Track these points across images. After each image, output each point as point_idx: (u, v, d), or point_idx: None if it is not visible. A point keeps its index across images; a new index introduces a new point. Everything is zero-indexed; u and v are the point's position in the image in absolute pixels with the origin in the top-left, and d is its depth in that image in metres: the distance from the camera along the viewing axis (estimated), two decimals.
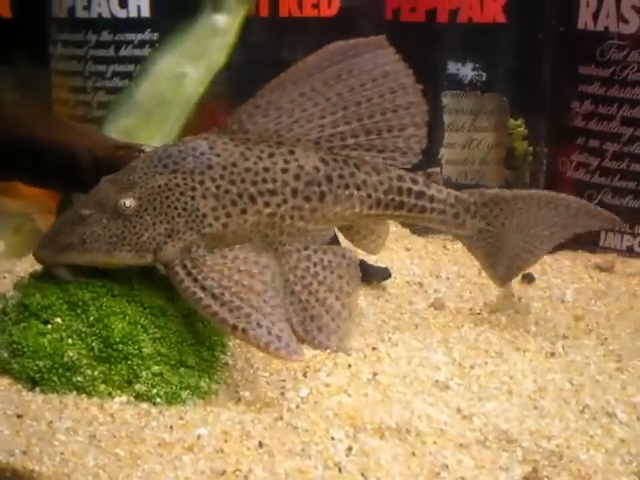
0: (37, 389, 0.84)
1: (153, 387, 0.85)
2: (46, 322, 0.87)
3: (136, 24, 1.48)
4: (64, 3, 1.47)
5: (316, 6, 1.44)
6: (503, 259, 1.07)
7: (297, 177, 0.94)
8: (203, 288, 0.87)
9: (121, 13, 1.47)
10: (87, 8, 1.46)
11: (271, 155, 0.94)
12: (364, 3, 1.48)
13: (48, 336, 0.86)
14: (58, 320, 0.87)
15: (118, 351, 0.85)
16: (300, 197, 0.95)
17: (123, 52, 1.48)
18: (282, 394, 0.85)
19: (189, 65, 1.37)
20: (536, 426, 0.82)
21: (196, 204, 0.90)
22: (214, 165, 0.91)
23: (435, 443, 0.78)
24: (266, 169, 0.93)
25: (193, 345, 0.89)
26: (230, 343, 0.94)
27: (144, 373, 0.85)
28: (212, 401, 0.86)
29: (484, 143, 1.43)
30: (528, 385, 0.92)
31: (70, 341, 0.85)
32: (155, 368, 0.86)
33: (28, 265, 1.05)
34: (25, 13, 1.55)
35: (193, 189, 0.90)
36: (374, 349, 0.95)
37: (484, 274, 1.25)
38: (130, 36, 1.48)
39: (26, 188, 1.41)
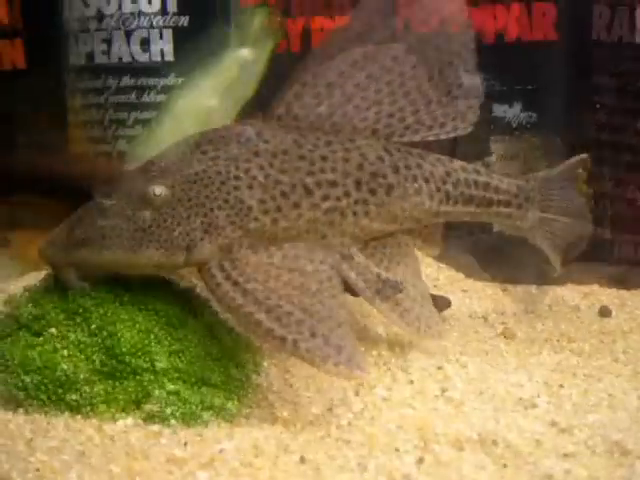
0: (20, 410, 0.68)
1: (167, 406, 0.68)
2: (38, 334, 0.71)
3: (159, 68, 1.38)
4: (82, 48, 1.38)
5: None
6: (563, 243, 0.98)
7: (360, 167, 0.80)
8: (245, 293, 0.70)
9: (143, 57, 1.37)
10: (106, 53, 1.37)
11: (328, 143, 0.80)
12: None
13: (38, 348, 0.70)
14: (52, 331, 0.71)
15: (125, 364, 0.69)
16: (364, 190, 0.80)
17: (145, 98, 1.37)
18: (329, 410, 0.68)
19: (214, 99, 1.26)
20: None
21: (240, 195, 0.75)
22: (262, 152, 0.77)
23: (531, 454, 0.60)
24: (324, 158, 0.79)
25: (218, 361, 0.73)
26: (265, 363, 0.77)
27: (157, 392, 0.69)
28: (241, 424, 0.69)
29: None
30: (632, 401, 0.75)
31: (65, 353, 0.69)
32: (170, 386, 0.70)
33: (24, 283, 0.90)
34: (40, 63, 1.46)
35: (237, 178, 0.75)
36: (439, 368, 0.78)
37: (555, 308, 1.10)
38: (153, 81, 1.38)
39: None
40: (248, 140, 0.78)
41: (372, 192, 0.80)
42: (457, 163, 0.87)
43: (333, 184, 0.78)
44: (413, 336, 0.80)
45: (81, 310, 0.72)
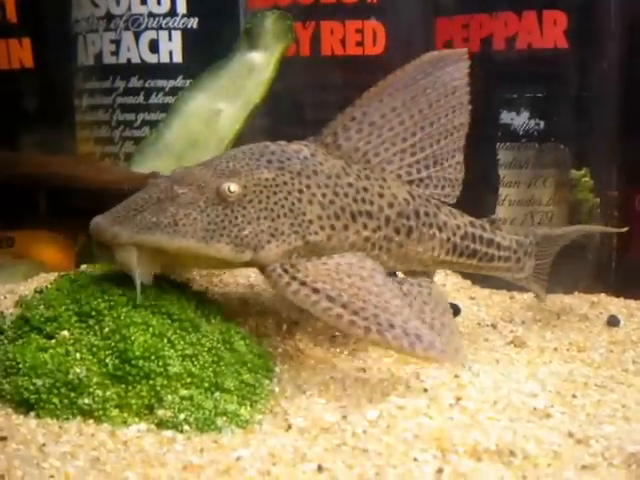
0: (32, 413, 0.67)
1: (180, 412, 0.67)
2: (49, 336, 0.71)
3: (168, 70, 1.37)
4: (91, 49, 1.38)
5: (360, 44, 1.33)
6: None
7: (391, 205, 0.86)
8: (315, 290, 0.74)
9: (152, 58, 1.37)
10: (115, 54, 1.36)
11: (367, 177, 0.85)
12: (412, 38, 1.37)
13: (50, 351, 0.69)
14: (64, 333, 0.70)
15: (138, 368, 0.68)
16: (391, 227, 0.85)
17: (153, 100, 1.37)
18: (344, 417, 0.67)
19: (223, 102, 1.25)
20: None
21: (303, 208, 0.80)
22: (319, 172, 0.82)
23: (550, 466, 0.60)
24: (365, 189, 0.84)
25: (232, 366, 0.72)
26: (277, 369, 0.77)
27: (169, 397, 0.68)
28: (255, 430, 0.68)
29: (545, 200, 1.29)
30: None
31: (78, 356, 0.69)
32: (183, 392, 0.69)
33: (35, 285, 0.90)
34: (48, 63, 1.45)
35: (300, 191, 0.80)
36: (453, 376, 0.77)
37: (563, 317, 1.10)
38: (161, 83, 1.37)
39: (43, 252, 1.28)
40: (306, 158, 0.82)
41: (396, 231, 0.86)
42: (467, 218, 0.93)
43: (370, 216, 0.84)
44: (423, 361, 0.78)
45: (94, 313, 0.72)
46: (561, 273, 1.18)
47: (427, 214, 0.88)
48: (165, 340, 0.71)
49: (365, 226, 0.83)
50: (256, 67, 1.29)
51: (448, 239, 0.90)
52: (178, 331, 0.72)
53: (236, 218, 0.76)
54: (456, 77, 0.93)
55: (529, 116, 1.30)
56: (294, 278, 0.75)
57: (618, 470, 0.60)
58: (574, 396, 0.77)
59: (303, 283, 0.74)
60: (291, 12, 1.30)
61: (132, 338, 0.70)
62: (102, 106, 1.38)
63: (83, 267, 0.85)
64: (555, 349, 0.97)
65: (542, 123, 1.30)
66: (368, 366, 0.79)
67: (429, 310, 0.82)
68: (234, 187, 0.76)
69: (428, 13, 1.34)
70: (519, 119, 1.31)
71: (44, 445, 0.60)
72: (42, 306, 0.73)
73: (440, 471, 0.58)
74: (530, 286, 1.04)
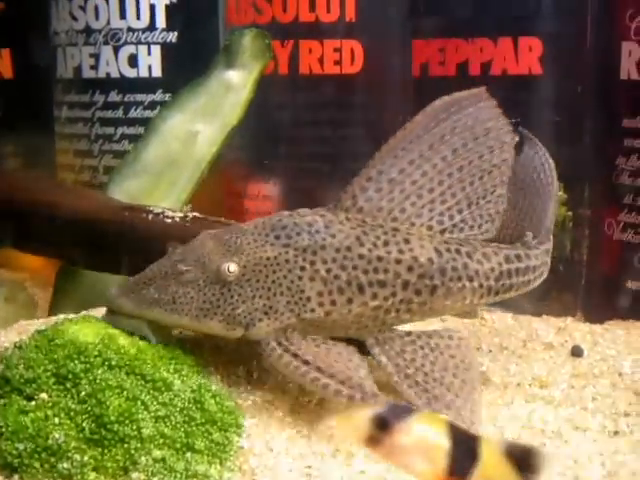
0: (15, 476, 0.70)
1: (153, 476, 0.71)
2: (29, 398, 0.74)
3: (147, 84, 1.39)
4: (70, 62, 1.39)
5: (338, 63, 1.35)
6: None
7: (410, 269, 0.87)
8: (306, 362, 0.80)
9: (131, 73, 1.38)
10: (94, 67, 1.38)
11: (386, 243, 0.87)
12: (389, 58, 1.38)
13: (31, 414, 0.73)
14: (43, 396, 0.74)
15: (113, 432, 0.72)
16: (410, 290, 0.87)
17: (132, 114, 1.38)
18: None
19: (201, 123, 1.27)
20: None
21: (302, 285, 0.83)
22: (327, 246, 0.84)
23: None
24: (380, 258, 0.86)
25: (202, 425, 0.76)
26: (246, 423, 0.81)
27: (143, 459, 0.72)
28: None
29: None
30: (596, 470, 0.79)
31: (56, 420, 0.72)
32: (157, 453, 0.73)
33: (14, 335, 0.93)
34: (28, 74, 1.46)
35: (302, 269, 0.83)
36: None
37: (529, 345, 1.13)
38: (140, 97, 1.39)
39: (24, 259, 1.31)
40: (317, 232, 0.84)
41: (417, 293, 0.88)
42: (502, 255, 0.93)
43: (383, 285, 0.86)
44: None
45: (71, 376, 0.75)
46: None
47: (455, 269, 0.89)
48: (139, 403, 0.74)
49: (375, 296, 0.85)
50: (234, 86, 1.30)
51: (481, 285, 0.92)
52: (151, 392, 0.76)
53: (231, 297, 0.81)
54: (485, 117, 0.93)
55: None
56: (287, 350, 0.80)
57: None
58: None
59: (295, 355, 0.80)
60: (270, 30, 1.32)
61: (107, 403, 0.73)
62: (81, 119, 1.40)
63: (60, 317, 0.88)
64: (518, 385, 1.01)
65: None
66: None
67: (453, 365, 0.86)
68: (233, 267, 0.81)
69: (406, 35, 1.35)
70: None
71: None
72: (22, 366, 0.76)
73: None
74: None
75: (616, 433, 0.89)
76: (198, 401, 0.77)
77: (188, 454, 0.74)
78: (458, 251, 0.90)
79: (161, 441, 0.73)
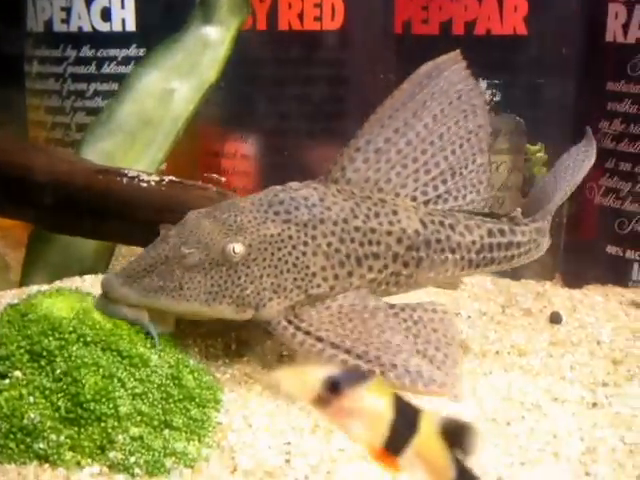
0: None
1: (131, 454, 0.70)
2: (3, 376, 0.73)
3: (120, 39, 1.35)
4: (40, 16, 1.34)
5: (318, 19, 1.32)
6: None
7: (399, 241, 0.87)
8: (319, 339, 0.78)
9: (104, 27, 1.34)
10: (66, 21, 1.33)
11: (377, 215, 0.86)
12: (371, 15, 1.35)
13: (5, 393, 0.71)
14: (17, 374, 0.72)
15: (89, 411, 0.71)
16: (399, 262, 0.87)
17: (106, 69, 1.35)
18: (287, 462, 0.71)
19: (177, 81, 1.24)
20: None
21: (307, 261, 0.82)
22: (326, 220, 0.84)
23: None
24: (373, 230, 0.86)
25: (180, 402, 0.75)
26: (225, 398, 0.80)
27: (120, 437, 0.71)
28: (202, 470, 0.71)
29: (504, 167, 1.30)
30: (575, 445, 0.79)
31: (32, 399, 0.71)
32: (134, 430, 0.72)
33: None
34: None
35: (305, 244, 0.82)
36: None
37: (508, 311, 1.13)
38: (113, 52, 1.35)
39: None
40: (314, 205, 0.83)
41: (405, 265, 0.87)
42: (485, 227, 0.92)
43: (377, 257, 0.85)
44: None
45: (45, 353, 0.73)
46: None
47: (439, 240, 0.89)
48: (115, 380, 0.73)
49: (371, 268, 0.85)
50: (211, 43, 1.27)
51: (462, 258, 0.92)
52: (128, 368, 0.74)
53: (239, 278, 0.79)
54: (456, 80, 0.93)
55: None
56: (298, 328, 0.79)
57: None
58: (508, 423, 0.81)
59: (307, 333, 0.79)
60: None
61: (83, 381, 0.72)
62: (53, 75, 1.36)
63: (34, 289, 0.86)
64: (497, 352, 1.01)
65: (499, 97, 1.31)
66: None
67: (435, 339, 0.85)
68: (239, 247, 0.78)
69: None
70: None
71: None
72: None
73: None
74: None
75: (594, 405, 0.89)
76: (176, 377, 0.76)
77: (166, 431, 0.73)
78: (442, 223, 0.90)
79: (138, 419, 0.72)
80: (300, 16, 1.32)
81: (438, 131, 0.91)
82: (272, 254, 0.80)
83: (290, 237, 0.81)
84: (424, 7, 1.26)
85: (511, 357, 1.00)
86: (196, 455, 0.72)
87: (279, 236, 0.81)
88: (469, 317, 1.12)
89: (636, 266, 1.24)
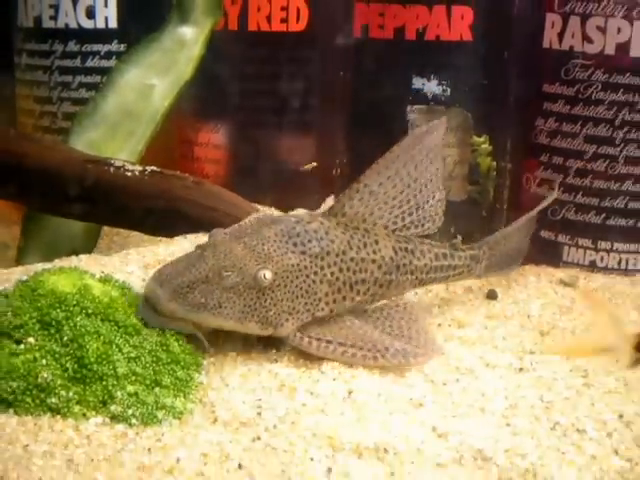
0: (10, 410, 0.82)
1: (128, 408, 0.84)
2: (18, 342, 0.86)
3: (103, 35, 1.46)
4: (30, 12, 1.45)
5: (284, 20, 1.45)
6: (504, 266, 1.25)
7: (380, 267, 1.03)
8: (329, 342, 0.95)
9: (88, 24, 1.46)
10: (54, 18, 1.45)
11: (365, 245, 1.02)
12: (332, 19, 1.48)
13: (21, 356, 0.84)
14: (31, 340, 0.85)
15: (93, 371, 0.84)
16: (377, 284, 1.03)
17: (90, 63, 1.46)
18: (259, 414, 0.85)
19: (156, 78, 1.36)
20: (510, 444, 0.83)
21: (315, 288, 0.97)
22: (331, 252, 0.99)
23: (413, 463, 0.79)
24: (363, 260, 1.01)
25: (168, 364, 0.89)
26: (204, 361, 0.94)
27: (119, 393, 0.85)
28: (188, 421, 0.85)
29: (450, 159, 1.44)
30: (500, 402, 0.93)
31: (44, 362, 0.84)
32: (130, 388, 0.85)
33: None
34: None
35: (315, 274, 0.97)
36: (350, 366, 0.95)
37: (451, 289, 1.28)
38: (97, 47, 1.47)
39: None
40: (322, 239, 0.99)
41: (381, 286, 1.04)
42: (433, 252, 1.10)
43: (364, 282, 1.02)
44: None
45: (54, 322, 0.87)
46: (457, 228, 1.37)
47: (405, 265, 1.07)
48: (114, 346, 0.87)
49: (359, 292, 1.01)
50: (187, 42, 1.39)
51: (416, 278, 1.10)
52: (124, 336, 0.88)
53: (265, 301, 0.93)
54: (434, 139, 1.10)
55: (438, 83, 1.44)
56: (310, 337, 0.95)
57: (463, 467, 0.79)
58: (444, 384, 0.96)
59: (318, 339, 0.95)
60: None
61: (87, 346, 0.85)
62: (41, 67, 1.47)
63: (38, 267, 0.99)
64: (439, 325, 1.15)
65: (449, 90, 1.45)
66: (280, 358, 0.97)
67: (405, 323, 1.03)
68: (269, 275, 0.93)
69: None
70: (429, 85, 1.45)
71: (27, 446, 0.76)
72: (10, 313, 0.87)
73: (329, 470, 0.76)
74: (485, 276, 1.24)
75: (521, 370, 1.02)
76: (164, 344, 0.90)
77: (157, 389, 0.87)
78: (406, 249, 1.07)
79: (133, 378, 0.86)
80: (268, 18, 1.44)
81: (414, 176, 1.08)
82: (292, 281, 0.95)
83: (305, 267, 0.96)
84: (380, 14, 1.40)
85: (451, 329, 1.14)
86: (182, 409, 0.87)
87: (298, 266, 0.96)
88: (416, 294, 1.26)
89: (566, 249, 1.40)
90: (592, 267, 1.38)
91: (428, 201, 1.09)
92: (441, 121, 1.11)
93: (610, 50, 1.31)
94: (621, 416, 0.91)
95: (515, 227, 1.25)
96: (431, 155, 1.09)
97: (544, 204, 1.30)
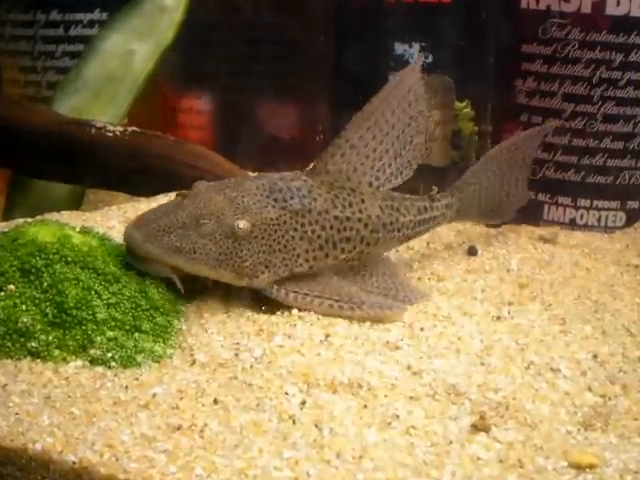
0: None
1: (108, 351, 0.86)
2: None
3: (85, 4, 1.47)
4: None
5: None
6: (488, 209, 1.25)
7: (366, 226, 1.04)
8: (306, 294, 0.96)
9: None
10: None
11: (350, 204, 1.03)
12: None
13: (2, 303, 0.86)
14: (11, 287, 0.87)
15: (72, 317, 0.86)
16: (364, 243, 1.04)
17: (73, 32, 1.48)
18: (236, 355, 0.86)
19: (137, 43, 1.37)
20: (483, 380, 0.85)
21: (294, 244, 0.98)
22: (312, 210, 0.99)
23: (386, 396, 0.80)
24: (348, 218, 1.02)
25: (147, 311, 0.90)
26: (183, 309, 0.95)
27: (98, 338, 0.86)
28: (167, 364, 0.87)
29: (431, 120, 1.45)
30: (475, 345, 0.95)
31: (24, 307, 0.86)
32: (109, 333, 0.87)
33: None
34: None
35: (295, 230, 0.98)
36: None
37: (432, 245, 1.29)
38: (80, 16, 1.48)
39: None
40: (304, 196, 0.99)
41: (368, 245, 1.05)
42: (415, 207, 1.11)
43: (348, 240, 1.02)
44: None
45: (34, 270, 0.88)
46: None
47: (391, 223, 1.08)
48: (93, 292, 0.88)
49: (343, 250, 1.02)
50: (167, 8, 1.40)
51: (403, 234, 1.11)
52: (103, 283, 0.90)
53: (241, 251, 0.94)
54: (409, 81, 1.09)
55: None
56: (287, 290, 0.96)
57: (436, 401, 0.81)
58: (422, 329, 0.97)
59: (295, 292, 0.96)
60: None
61: (66, 292, 0.87)
62: (25, 37, 1.48)
63: (20, 221, 1.00)
64: (419, 278, 1.17)
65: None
66: (259, 306, 0.98)
67: (388, 278, 1.06)
68: (246, 225, 0.94)
69: None
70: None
71: (6, 385, 0.78)
72: None
73: (303, 403, 0.78)
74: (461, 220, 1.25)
75: (498, 318, 1.03)
76: (143, 291, 0.91)
77: (136, 334, 0.88)
78: (392, 207, 1.08)
79: (113, 324, 0.88)
80: None
81: (391, 123, 1.08)
82: (269, 235, 0.96)
83: (284, 222, 0.97)
84: None
85: (430, 282, 1.15)
86: (162, 353, 0.88)
87: (276, 220, 0.97)
88: (397, 251, 1.27)
89: (546, 207, 1.41)
90: (572, 225, 1.39)
91: (405, 146, 1.09)
92: (415, 64, 1.11)
93: (586, 9, 1.32)
94: (595, 356, 0.93)
95: (482, 162, 1.23)
96: (410, 98, 1.08)
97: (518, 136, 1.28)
